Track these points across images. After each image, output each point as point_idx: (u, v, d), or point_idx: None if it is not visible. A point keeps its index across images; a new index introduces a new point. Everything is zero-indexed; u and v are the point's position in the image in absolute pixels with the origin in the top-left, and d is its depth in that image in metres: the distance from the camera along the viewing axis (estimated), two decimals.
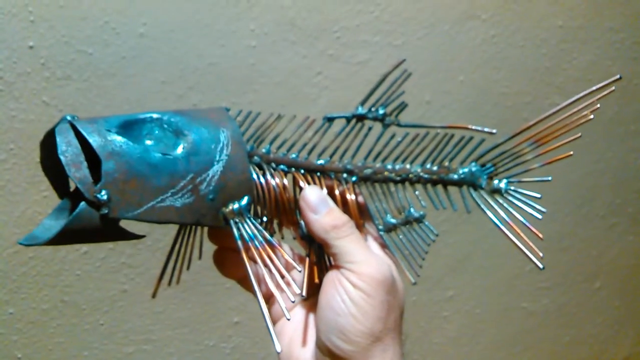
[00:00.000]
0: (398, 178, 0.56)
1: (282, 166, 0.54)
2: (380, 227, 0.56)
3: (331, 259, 0.51)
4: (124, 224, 0.47)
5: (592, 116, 0.52)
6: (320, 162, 0.55)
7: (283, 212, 0.53)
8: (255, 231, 0.49)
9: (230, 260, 0.53)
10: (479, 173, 0.56)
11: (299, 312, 0.53)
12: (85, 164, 0.44)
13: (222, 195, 0.48)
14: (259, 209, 0.53)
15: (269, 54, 0.98)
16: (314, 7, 0.99)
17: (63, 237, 0.44)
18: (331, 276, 0.49)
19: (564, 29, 1.15)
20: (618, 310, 1.36)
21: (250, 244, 0.48)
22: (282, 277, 0.47)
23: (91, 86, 0.90)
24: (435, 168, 0.57)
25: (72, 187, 0.49)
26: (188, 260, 0.53)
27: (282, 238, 0.55)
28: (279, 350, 0.44)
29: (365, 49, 1.03)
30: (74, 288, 0.97)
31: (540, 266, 0.52)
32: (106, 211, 0.43)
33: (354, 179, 0.55)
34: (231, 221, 0.49)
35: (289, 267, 0.52)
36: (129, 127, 0.48)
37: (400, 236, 0.56)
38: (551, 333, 1.32)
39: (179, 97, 0.94)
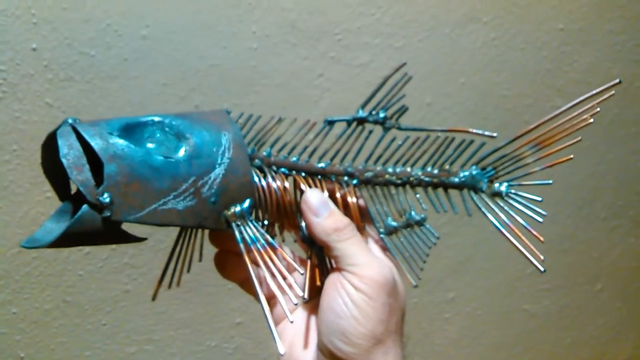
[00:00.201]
0: (399, 181, 0.57)
1: (283, 169, 0.54)
2: (381, 229, 0.56)
3: (332, 261, 0.51)
4: (125, 226, 0.48)
5: (592, 120, 0.53)
6: (321, 165, 0.55)
7: (284, 215, 0.53)
8: (257, 234, 0.49)
9: (231, 263, 0.54)
10: (479, 176, 0.57)
11: (299, 315, 0.53)
12: (87, 166, 0.44)
13: (224, 198, 0.49)
14: (260, 212, 0.53)
15: (270, 56, 0.99)
16: (316, 9, 1.00)
17: (65, 240, 0.44)
18: (332, 279, 0.49)
19: (565, 32, 1.15)
20: (619, 312, 1.36)
21: (252, 246, 0.48)
22: (284, 279, 0.47)
23: (94, 88, 0.91)
24: (436, 171, 0.57)
25: (74, 189, 0.50)
26: (188, 262, 0.53)
27: (283, 241, 0.55)
28: (282, 352, 0.45)
29: (367, 51, 1.03)
30: (76, 288, 0.97)
31: (541, 269, 0.52)
32: (108, 214, 0.43)
33: (354, 182, 0.56)
34: (233, 224, 0.49)
35: (290, 270, 0.52)
36: (131, 130, 0.48)
37: (401, 239, 0.56)
38: (552, 335, 1.32)
39: (181, 99, 0.95)
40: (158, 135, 0.48)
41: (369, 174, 0.56)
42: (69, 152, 0.44)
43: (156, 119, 0.49)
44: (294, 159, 0.54)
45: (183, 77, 0.95)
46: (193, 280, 1.01)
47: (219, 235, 0.53)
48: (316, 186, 0.54)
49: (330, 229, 0.49)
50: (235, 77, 0.97)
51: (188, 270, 0.53)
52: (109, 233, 0.45)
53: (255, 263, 0.48)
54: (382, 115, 0.57)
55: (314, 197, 0.51)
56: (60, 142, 0.44)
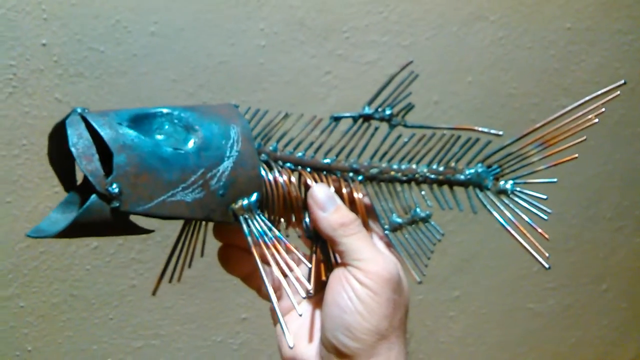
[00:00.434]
0: (404, 178, 0.57)
1: (288, 164, 0.54)
2: (386, 226, 0.56)
3: (337, 256, 0.51)
4: (132, 218, 0.47)
5: (597, 120, 0.53)
6: (327, 161, 0.55)
7: (290, 209, 0.53)
8: (265, 227, 0.49)
9: (234, 258, 0.54)
10: (485, 174, 0.57)
11: (303, 309, 0.53)
12: (96, 156, 0.44)
13: (232, 191, 0.48)
14: (266, 206, 0.52)
15: (278, 53, 0.99)
16: (324, 7, 1.00)
17: (73, 230, 0.43)
18: (338, 273, 0.49)
19: (572, 31, 1.15)
20: (624, 313, 1.36)
21: (260, 240, 0.48)
22: (292, 272, 0.46)
23: (103, 83, 0.91)
24: (441, 168, 0.57)
25: (79, 181, 0.50)
26: (190, 258, 0.53)
27: (287, 237, 0.55)
28: (291, 345, 0.45)
29: (374, 49, 1.03)
30: (83, 282, 0.98)
31: (547, 266, 0.52)
32: (117, 204, 0.43)
33: (360, 178, 0.56)
34: (241, 217, 0.49)
35: (297, 264, 0.53)
36: (140, 121, 0.47)
37: (406, 235, 0.56)
38: (557, 334, 1.32)
39: (189, 95, 0.95)
40: (167, 127, 0.48)
41: (374, 171, 0.56)
42: (79, 141, 0.44)
43: (165, 110, 0.49)
44: (300, 154, 0.54)
45: (192, 74, 0.95)
46: (199, 275, 1.02)
47: (223, 229, 0.53)
48: (322, 182, 0.54)
49: (336, 224, 0.49)
50: (243, 74, 0.98)
51: (189, 266, 0.53)
52: (117, 224, 0.45)
53: (262, 256, 0.47)
54: (388, 112, 0.57)
55: (321, 192, 0.51)
56: (69, 131, 0.44)
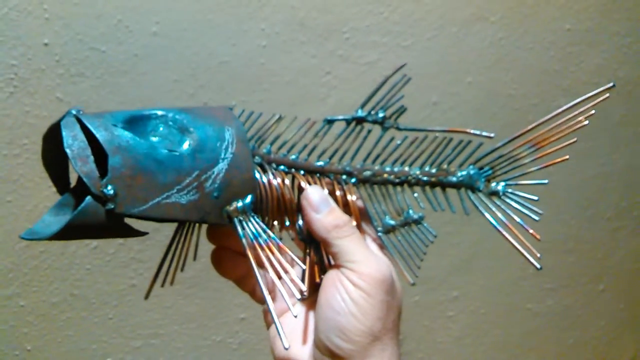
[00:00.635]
0: (397, 180, 0.57)
1: (282, 167, 0.54)
2: (380, 228, 0.56)
3: (331, 258, 0.51)
4: (128, 221, 0.47)
5: (587, 122, 0.53)
6: (320, 163, 0.55)
7: (283, 212, 0.53)
8: (259, 229, 0.49)
9: (228, 260, 0.54)
10: (477, 176, 0.57)
11: (297, 311, 0.53)
12: (91, 157, 0.43)
13: (226, 193, 0.48)
14: (259, 209, 0.52)
15: (279, 54, 0.99)
16: (324, 7, 1.00)
17: (68, 232, 0.43)
18: (331, 275, 0.49)
19: (572, 32, 1.15)
20: (622, 313, 1.36)
21: (254, 242, 0.48)
22: (287, 273, 0.47)
23: (104, 83, 0.92)
24: (433, 171, 0.57)
25: (73, 183, 0.50)
26: (183, 261, 0.53)
27: (281, 239, 0.55)
28: (287, 346, 0.44)
29: (374, 49, 1.04)
30: (83, 282, 0.98)
31: (538, 266, 0.53)
32: (112, 206, 0.43)
33: (353, 180, 0.56)
34: (235, 219, 0.49)
35: (291, 265, 0.52)
36: (135, 123, 0.47)
37: (399, 237, 0.57)
38: (555, 334, 1.32)
39: (190, 96, 0.95)
40: (161, 128, 0.48)
41: (367, 173, 0.56)
42: (74, 142, 0.43)
43: (159, 112, 0.48)
44: (293, 157, 0.55)
45: (193, 74, 0.95)
46: (198, 275, 1.02)
47: (216, 232, 0.53)
48: (315, 184, 0.54)
49: (330, 226, 0.49)
50: (244, 74, 0.98)
51: (182, 269, 0.52)
52: (112, 226, 0.45)
53: (257, 258, 0.47)
54: (381, 115, 0.57)
55: (315, 194, 0.51)
56: (64, 132, 0.43)
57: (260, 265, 0.47)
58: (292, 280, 0.46)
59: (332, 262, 0.51)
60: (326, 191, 0.53)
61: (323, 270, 0.52)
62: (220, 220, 0.49)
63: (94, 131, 0.44)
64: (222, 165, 0.48)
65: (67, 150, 0.43)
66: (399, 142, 0.57)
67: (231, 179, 0.49)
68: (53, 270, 0.96)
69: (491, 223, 0.56)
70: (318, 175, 0.55)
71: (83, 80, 0.91)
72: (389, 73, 0.57)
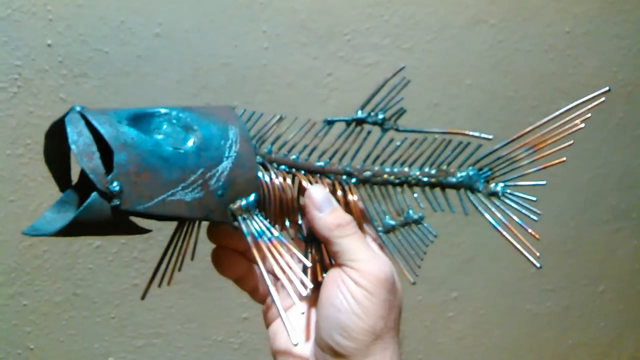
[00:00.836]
0: (397, 181, 0.57)
1: (283, 166, 0.54)
2: (380, 228, 0.57)
3: (332, 257, 0.51)
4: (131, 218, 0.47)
5: (583, 125, 0.54)
6: (320, 164, 0.56)
7: (285, 211, 0.53)
8: (264, 227, 0.49)
9: (228, 259, 0.54)
10: (476, 177, 0.58)
11: (302, 308, 0.54)
12: (97, 154, 0.43)
13: (230, 192, 0.48)
14: (262, 208, 0.52)
15: (280, 56, 1.00)
16: (325, 9, 1.01)
17: (72, 228, 0.43)
18: (333, 274, 0.49)
19: (571, 35, 1.16)
20: (621, 314, 1.37)
21: (259, 240, 0.48)
22: (292, 270, 0.46)
23: (107, 84, 0.92)
24: (433, 171, 0.58)
25: (74, 180, 0.49)
26: (181, 261, 0.53)
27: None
28: (295, 342, 0.44)
29: (375, 51, 1.04)
30: (86, 281, 0.99)
31: (537, 265, 0.54)
32: (118, 203, 0.42)
33: (353, 180, 0.56)
34: (239, 217, 0.49)
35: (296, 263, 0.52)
36: (139, 120, 0.47)
37: (399, 237, 0.57)
38: (555, 335, 1.32)
39: (192, 97, 0.96)
40: (165, 126, 0.48)
41: (367, 173, 0.57)
42: (79, 139, 0.43)
43: (163, 110, 0.48)
44: (294, 157, 0.55)
45: (195, 75, 0.96)
46: (200, 275, 1.02)
47: (217, 231, 0.53)
48: (317, 184, 0.54)
49: (332, 225, 0.49)
50: (246, 76, 0.99)
51: (179, 269, 0.52)
52: (117, 223, 0.44)
53: (262, 256, 0.47)
54: (380, 116, 0.57)
55: (318, 193, 0.51)
56: (69, 128, 0.43)
57: (265, 263, 0.47)
58: (298, 277, 0.46)
59: (333, 261, 0.51)
60: (328, 190, 0.53)
61: (324, 269, 0.52)
62: (224, 218, 0.49)
63: (98, 127, 0.43)
64: (226, 164, 0.48)
65: (73, 146, 0.42)
66: (398, 143, 0.57)
67: (235, 177, 0.49)
68: (56, 269, 0.97)
69: (491, 223, 0.57)
70: (318, 175, 0.55)
71: (86, 81, 0.92)
72: (389, 75, 0.57)
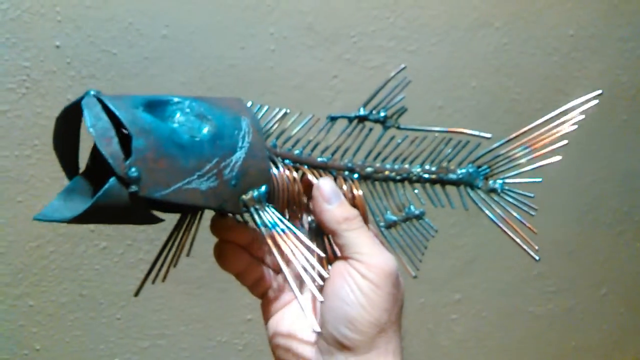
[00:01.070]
0: (398, 177, 0.58)
1: (287, 161, 0.54)
2: (382, 223, 0.58)
3: (338, 250, 0.52)
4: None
5: (576, 126, 0.57)
6: (323, 159, 0.56)
7: (292, 204, 0.54)
8: (276, 219, 0.49)
9: (230, 253, 0.53)
10: (475, 174, 0.59)
11: (297, 303, 0.54)
12: (116, 139, 0.42)
13: (243, 182, 0.48)
14: (270, 200, 0.52)
15: (287, 58, 1.00)
16: (332, 12, 1.01)
17: (90, 215, 0.41)
18: (339, 267, 0.49)
19: (575, 38, 1.17)
20: (623, 317, 1.37)
21: (273, 231, 0.48)
22: (308, 261, 0.47)
23: (115, 85, 0.93)
24: (434, 168, 0.59)
25: (82, 168, 0.49)
26: (177, 257, 0.52)
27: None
28: (318, 329, 0.45)
29: (381, 54, 1.05)
30: (92, 282, 0.99)
31: (536, 258, 0.56)
32: (136, 189, 0.42)
33: (355, 176, 0.57)
34: (252, 208, 0.49)
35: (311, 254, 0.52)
36: (154, 106, 0.46)
37: (401, 232, 0.58)
38: (557, 338, 1.33)
39: None
40: (179, 114, 0.47)
41: (369, 170, 0.57)
42: (97, 123, 0.42)
43: (176, 99, 0.48)
44: (297, 152, 0.55)
45: (201, 77, 0.97)
46: (205, 276, 1.03)
47: (220, 225, 0.52)
48: (323, 177, 0.54)
49: (340, 218, 0.50)
50: (253, 78, 0.99)
51: (175, 265, 0.52)
52: (133, 210, 0.43)
53: (277, 247, 0.48)
54: (382, 114, 0.58)
55: (328, 185, 0.51)
56: (86, 112, 0.42)
57: (282, 254, 0.47)
58: (313, 267, 0.47)
59: (339, 254, 0.52)
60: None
61: (328, 262, 0.53)
62: (236, 209, 0.49)
63: (116, 112, 0.42)
64: (239, 154, 0.48)
65: (91, 130, 0.41)
66: (399, 140, 0.58)
67: (248, 168, 0.48)
68: (62, 270, 0.97)
69: (490, 218, 0.58)
70: (321, 170, 0.56)
71: (94, 82, 0.92)
72: (390, 75, 0.58)
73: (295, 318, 0.53)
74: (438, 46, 1.08)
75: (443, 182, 0.59)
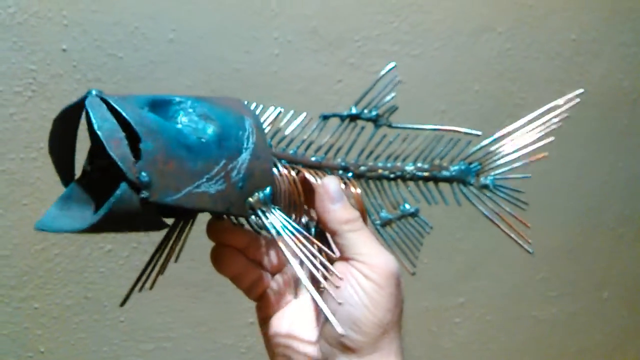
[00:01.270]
0: (392, 175, 0.59)
1: (283, 161, 0.54)
2: (377, 222, 0.58)
3: (339, 251, 0.51)
4: None
5: (560, 124, 0.60)
6: (316, 158, 0.56)
7: (292, 205, 0.53)
8: (284, 221, 0.48)
9: (227, 257, 0.52)
10: (467, 171, 0.60)
11: (295, 305, 0.54)
12: (125, 141, 0.39)
13: (249, 184, 0.47)
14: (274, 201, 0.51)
15: (291, 62, 1.01)
16: (336, 16, 1.02)
17: (103, 223, 0.39)
18: (340, 268, 0.49)
19: (577, 43, 1.17)
20: (626, 320, 1.37)
21: (283, 233, 0.47)
22: (322, 263, 0.46)
23: (120, 89, 0.93)
24: (426, 166, 0.60)
25: (78, 173, 0.46)
26: (165, 265, 0.51)
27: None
28: (342, 332, 0.45)
29: (385, 58, 1.05)
30: (97, 285, 0.99)
31: (530, 251, 0.58)
32: (147, 194, 0.39)
33: (349, 175, 0.57)
34: (258, 211, 0.47)
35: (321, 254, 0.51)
36: (157, 107, 0.44)
37: (396, 230, 0.59)
38: (559, 341, 1.33)
39: None
40: (182, 114, 0.45)
41: (362, 168, 0.58)
42: (104, 124, 0.39)
43: (177, 99, 0.46)
44: (292, 151, 0.55)
45: (206, 80, 0.97)
46: (209, 279, 1.03)
47: (217, 229, 0.51)
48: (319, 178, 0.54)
49: (343, 218, 0.49)
50: (257, 82, 0.99)
51: (162, 273, 0.51)
52: (143, 217, 0.41)
53: (289, 248, 0.46)
54: (374, 113, 0.58)
55: (334, 185, 0.51)
56: (92, 113, 0.39)
57: (294, 256, 0.47)
58: (325, 267, 0.46)
59: (338, 255, 0.51)
60: None
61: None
62: (242, 212, 0.47)
63: (123, 112, 0.40)
64: (245, 155, 0.46)
65: (99, 132, 0.38)
66: (391, 139, 0.59)
67: (253, 169, 0.47)
68: (67, 273, 0.97)
69: (483, 214, 0.60)
70: (317, 170, 0.55)
71: (100, 86, 0.92)
72: (386, 74, 0.59)
73: (294, 319, 0.53)
74: (442, 50, 1.09)
75: (436, 180, 0.60)
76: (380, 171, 0.58)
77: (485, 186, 0.60)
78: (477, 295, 1.23)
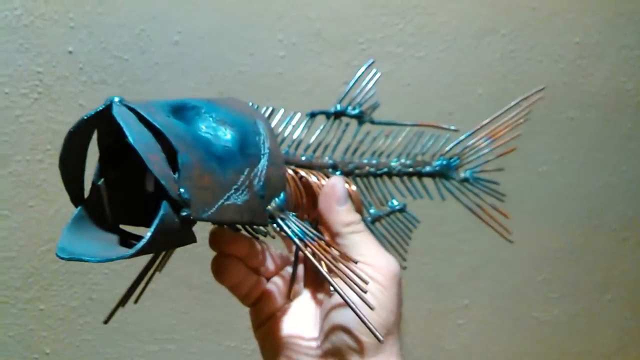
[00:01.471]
0: (379, 172, 0.60)
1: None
2: (368, 218, 0.59)
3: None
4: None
5: (526, 119, 0.65)
6: (306, 157, 0.56)
7: (296, 207, 0.52)
8: (302, 226, 0.46)
9: (227, 267, 0.51)
10: (448, 165, 0.63)
11: (297, 306, 0.54)
12: (163, 155, 0.36)
13: (268, 192, 0.44)
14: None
15: (295, 64, 1.01)
16: (340, 18, 1.02)
17: (150, 247, 0.36)
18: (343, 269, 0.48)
19: (581, 45, 1.17)
20: (628, 322, 1.37)
21: (305, 240, 0.44)
22: (348, 267, 0.44)
23: (126, 91, 0.93)
24: (410, 162, 0.61)
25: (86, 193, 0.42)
26: (152, 276, 0.50)
27: (274, 237, 0.52)
28: (382, 338, 0.43)
29: (389, 60, 1.06)
30: (102, 286, 0.99)
31: (511, 240, 0.62)
32: (188, 212, 0.36)
33: (338, 173, 0.57)
34: (278, 219, 0.45)
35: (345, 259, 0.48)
36: (179, 113, 0.41)
37: (385, 226, 0.60)
38: (561, 343, 1.33)
39: None
40: (200, 121, 0.41)
41: (351, 166, 0.58)
42: (140, 137, 0.35)
43: (192, 103, 0.42)
44: (284, 151, 0.54)
45: (211, 82, 0.97)
46: (213, 281, 1.02)
47: (219, 239, 0.50)
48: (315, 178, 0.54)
49: (347, 220, 0.50)
50: (262, 84, 1.00)
51: (147, 284, 0.50)
52: (182, 236, 0.38)
53: (313, 255, 0.45)
54: (357, 110, 0.59)
55: (342, 185, 0.51)
56: (124, 125, 0.35)
57: (319, 262, 0.45)
58: (354, 272, 0.44)
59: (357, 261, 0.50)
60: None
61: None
62: (264, 221, 0.45)
63: (155, 123, 0.36)
64: (263, 162, 0.44)
65: (137, 147, 0.34)
66: (375, 135, 0.60)
67: (270, 175, 0.45)
68: (72, 274, 0.97)
69: (465, 206, 0.63)
70: (308, 169, 0.55)
71: (105, 88, 0.93)
72: (361, 71, 0.60)
73: (295, 322, 0.52)
74: (446, 53, 1.09)
75: (420, 175, 0.62)
76: (367, 168, 0.59)
77: (466, 179, 0.63)
78: (480, 296, 1.23)
